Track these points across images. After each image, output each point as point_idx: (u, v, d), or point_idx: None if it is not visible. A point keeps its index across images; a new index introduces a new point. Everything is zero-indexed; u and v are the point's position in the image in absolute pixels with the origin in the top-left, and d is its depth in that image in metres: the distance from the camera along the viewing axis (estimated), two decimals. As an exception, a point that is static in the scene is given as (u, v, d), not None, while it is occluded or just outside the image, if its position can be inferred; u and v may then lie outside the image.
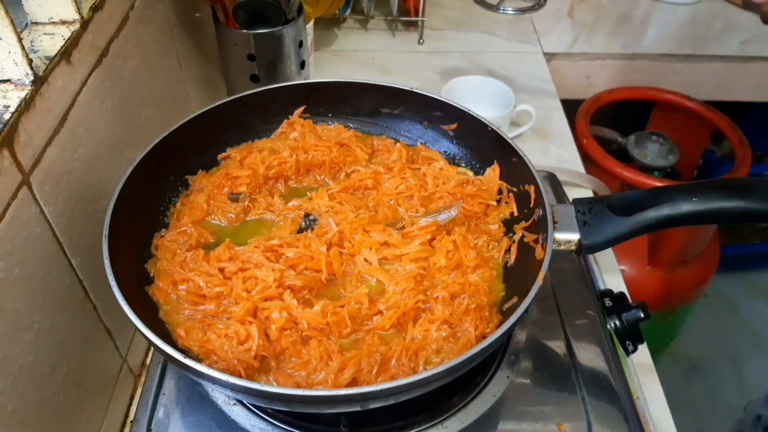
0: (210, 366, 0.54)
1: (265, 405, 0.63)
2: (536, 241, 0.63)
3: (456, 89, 1.13)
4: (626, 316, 0.74)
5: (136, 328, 0.52)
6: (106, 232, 0.57)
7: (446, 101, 0.75)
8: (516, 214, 0.69)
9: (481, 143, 0.75)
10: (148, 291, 0.62)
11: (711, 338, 2.03)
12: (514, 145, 0.69)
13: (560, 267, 0.78)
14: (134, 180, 0.63)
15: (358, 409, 0.51)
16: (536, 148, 1.15)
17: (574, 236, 0.61)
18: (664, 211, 0.59)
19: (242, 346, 0.57)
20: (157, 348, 0.51)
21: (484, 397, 0.65)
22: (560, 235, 0.61)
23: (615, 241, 0.61)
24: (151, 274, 0.63)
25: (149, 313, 0.59)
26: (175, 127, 0.69)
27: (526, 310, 0.55)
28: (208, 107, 0.72)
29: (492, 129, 0.72)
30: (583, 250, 0.62)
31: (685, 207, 0.59)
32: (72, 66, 0.61)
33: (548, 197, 0.63)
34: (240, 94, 0.75)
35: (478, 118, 0.73)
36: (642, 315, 0.73)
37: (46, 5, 0.62)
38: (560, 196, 0.88)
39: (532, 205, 0.67)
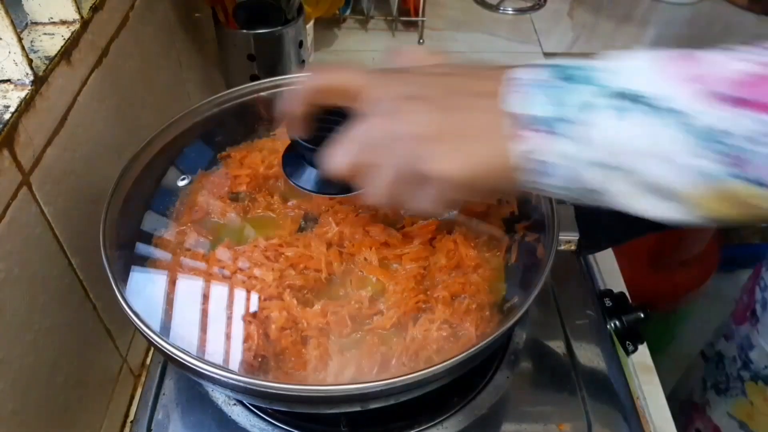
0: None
1: (266, 405, 0.63)
2: (537, 240, 0.63)
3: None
4: (626, 316, 0.74)
5: (137, 328, 0.52)
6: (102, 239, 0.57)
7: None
8: (517, 213, 0.69)
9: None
10: (148, 291, 0.62)
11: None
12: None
13: (560, 267, 0.78)
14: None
15: (358, 409, 0.51)
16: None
17: (574, 236, 0.61)
18: None
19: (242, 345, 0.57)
20: (157, 348, 0.51)
21: (484, 398, 0.65)
22: (560, 235, 0.61)
23: (615, 242, 0.62)
24: (151, 274, 0.63)
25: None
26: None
27: (527, 311, 0.55)
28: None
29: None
30: (583, 250, 0.62)
31: None
32: (72, 66, 0.61)
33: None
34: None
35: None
36: (642, 316, 0.73)
37: (46, 5, 0.62)
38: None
39: (533, 204, 0.67)
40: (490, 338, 0.52)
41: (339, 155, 0.48)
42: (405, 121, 0.44)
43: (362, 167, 0.47)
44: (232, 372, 0.49)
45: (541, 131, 0.39)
